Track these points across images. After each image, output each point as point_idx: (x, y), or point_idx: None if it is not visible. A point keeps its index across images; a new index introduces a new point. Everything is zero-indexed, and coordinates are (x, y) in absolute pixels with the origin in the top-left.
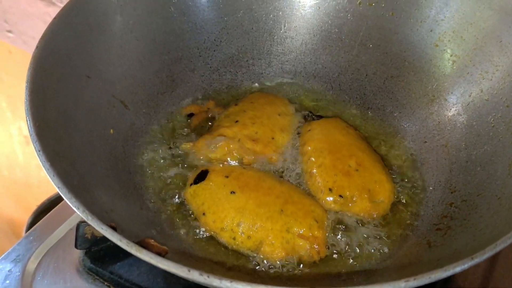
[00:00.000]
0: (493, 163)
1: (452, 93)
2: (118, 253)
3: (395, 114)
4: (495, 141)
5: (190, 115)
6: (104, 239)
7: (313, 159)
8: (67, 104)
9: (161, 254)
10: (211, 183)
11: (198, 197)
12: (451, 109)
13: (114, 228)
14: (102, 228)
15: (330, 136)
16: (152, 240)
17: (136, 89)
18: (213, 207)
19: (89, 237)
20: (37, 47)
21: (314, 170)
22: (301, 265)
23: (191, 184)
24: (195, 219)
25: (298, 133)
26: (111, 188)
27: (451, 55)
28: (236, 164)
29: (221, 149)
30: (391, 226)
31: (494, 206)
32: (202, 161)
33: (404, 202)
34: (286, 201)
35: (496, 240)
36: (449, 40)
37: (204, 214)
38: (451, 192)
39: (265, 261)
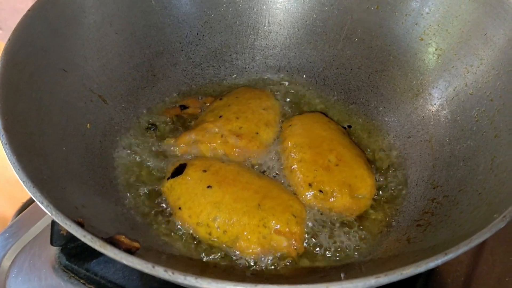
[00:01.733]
0: (476, 158)
1: (436, 87)
2: (94, 250)
3: (379, 109)
4: (479, 136)
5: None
6: None
7: (293, 154)
8: (41, 98)
9: (131, 250)
10: (188, 178)
11: (175, 192)
12: (435, 104)
13: (81, 224)
14: (66, 224)
15: (311, 131)
16: (123, 237)
17: (116, 83)
18: (189, 202)
19: (64, 233)
20: (9, 39)
21: (294, 166)
22: (279, 261)
23: (168, 178)
24: (172, 214)
25: (281, 127)
26: (85, 183)
27: (436, 49)
28: (219, 158)
29: (203, 144)
30: (372, 222)
31: (474, 201)
32: (184, 156)
33: (386, 197)
34: (264, 196)
35: (472, 235)
36: (434, 34)
37: (180, 208)
38: (433, 188)
39: (241, 256)
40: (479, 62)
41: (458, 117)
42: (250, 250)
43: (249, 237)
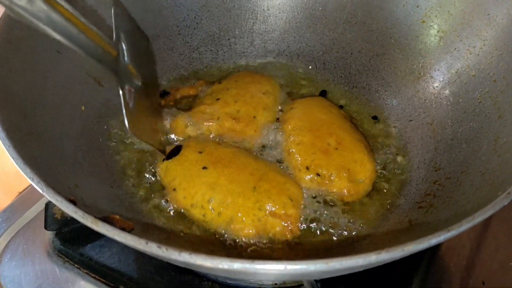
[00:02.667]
0: (479, 140)
1: (438, 70)
2: (89, 234)
3: (380, 93)
4: (482, 117)
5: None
6: (74, 220)
7: (293, 137)
8: (35, 79)
9: (125, 229)
10: (183, 159)
11: (170, 173)
12: (437, 87)
13: (73, 202)
14: (57, 200)
15: (311, 115)
16: (117, 216)
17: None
18: (184, 183)
19: (59, 217)
20: (1, 18)
21: (293, 149)
22: (274, 244)
23: (163, 160)
24: (166, 196)
25: (281, 111)
26: (80, 164)
27: (438, 31)
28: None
29: (199, 126)
30: (372, 205)
31: (477, 182)
32: (180, 138)
33: (387, 181)
34: (260, 178)
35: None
36: (435, 16)
37: (174, 189)
38: (435, 170)
39: (236, 238)
40: (481, 43)
41: (461, 99)
42: (245, 232)
43: (243, 219)
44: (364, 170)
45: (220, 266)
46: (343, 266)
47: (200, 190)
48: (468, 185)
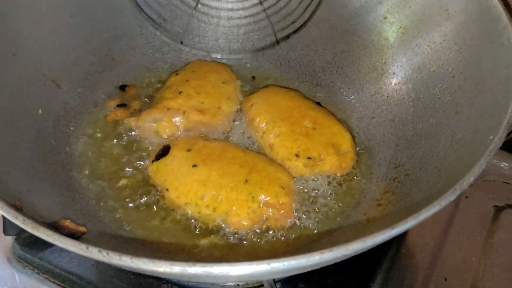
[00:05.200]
0: (437, 135)
1: (400, 66)
2: None
3: (344, 90)
4: (440, 113)
5: (123, 87)
6: None
7: (269, 132)
8: None
9: (75, 235)
10: (172, 158)
11: (160, 173)
12: (399, 83)
13: (19, 207)
14: None
15: (276, 105)
16: (68, 221)
17: (71, 67)
18: (175, 183)
19: None
20: None
21: (274, 142)
22: (271, 233)
23: (153, 161)
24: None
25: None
26: (34, 168)
27: (399, 27)
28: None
29: (167, 122)
30: (333, 205)
31: (433, 178)
32: (150, 137)
33: (348, 179)
34: (251, 170)
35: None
36: (397, 12)
37: (167, 190)
38: (395, 167)
39: (232, 231)
40: (441, 38)
41: (421, 95)
42: (241, 225)
43: (238, 212)
44: (345, 140)
45: (161, 270)
46: (286, 267)
47: (192, 188)
48: (424, 182)
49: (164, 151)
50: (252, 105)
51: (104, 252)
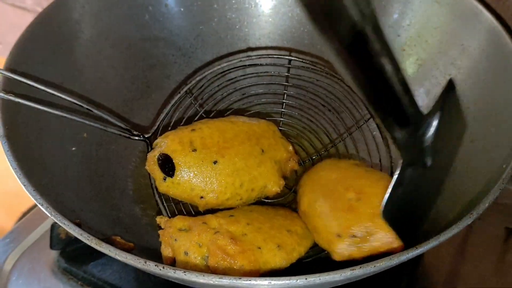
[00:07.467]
0: (454, 162)
1: (418, 96)
2: (91, 253)
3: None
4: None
5: None
6: (78, 239)
7: (311, 214)
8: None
9: (126, 250)
10: (185, 166)
11: (181, 186)
12: None
13: (79, 225)
14: (64, 223)
15: (320, 181)
16: (119, 238)
17: (111, 95)
18: (208, 187)
19: (63, 237)
20: (10, 53)
21: (315, 223)
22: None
23: (164, 178)
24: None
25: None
26: (82, 189)
27: (417, 59)
28: (198, 259)
29: (192, 234)
30: None
31: (449, 203)
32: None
33: None
34: (258, 137)
35: None
36: (415, 45)
37: (202, 197)
38: None
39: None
40: (456, 71)
41: None
42: (279, 187)
43: (273, 179)
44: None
45: (216, 282)
46: (321, 281)
47: (227, 183)
48: (442, 206)
49: (166, 163)
50: (301, 186)
51: (160, 266)
